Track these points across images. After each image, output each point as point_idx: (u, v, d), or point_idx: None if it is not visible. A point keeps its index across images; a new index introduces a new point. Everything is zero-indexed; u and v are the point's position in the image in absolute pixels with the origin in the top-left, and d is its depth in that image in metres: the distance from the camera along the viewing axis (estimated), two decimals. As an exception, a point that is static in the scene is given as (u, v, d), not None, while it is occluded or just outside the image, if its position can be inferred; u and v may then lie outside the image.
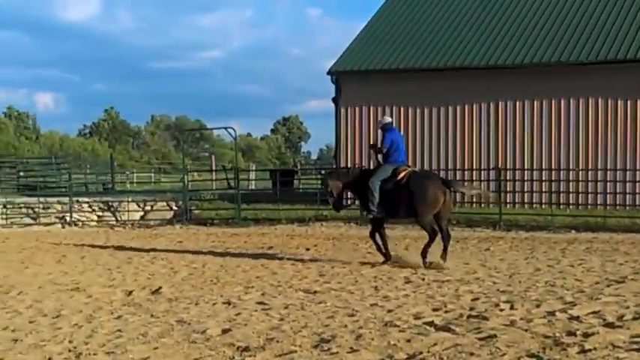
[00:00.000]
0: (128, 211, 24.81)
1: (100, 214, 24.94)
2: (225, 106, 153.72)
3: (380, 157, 14.04)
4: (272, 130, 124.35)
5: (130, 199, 25.53)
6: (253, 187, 35.28)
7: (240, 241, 18.12)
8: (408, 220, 16.00)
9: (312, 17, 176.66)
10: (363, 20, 29.11)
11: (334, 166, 27.01)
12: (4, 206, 24.08)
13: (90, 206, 25.00)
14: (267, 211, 23.99)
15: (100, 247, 17.29)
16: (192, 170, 41.72)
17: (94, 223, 24.21)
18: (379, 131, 14.55)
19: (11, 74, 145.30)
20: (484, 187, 21.94)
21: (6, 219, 23.76)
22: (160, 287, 10.70)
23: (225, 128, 31.56)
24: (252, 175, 38.22)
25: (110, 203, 25.28)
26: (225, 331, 7.61)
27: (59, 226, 23.85)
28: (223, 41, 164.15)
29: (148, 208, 25.23)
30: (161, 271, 12.72)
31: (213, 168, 40.00)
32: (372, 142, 14.83)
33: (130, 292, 10.38)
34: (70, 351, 6.95)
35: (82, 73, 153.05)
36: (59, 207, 24.78)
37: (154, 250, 16.23)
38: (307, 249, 16.09)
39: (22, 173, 37.30)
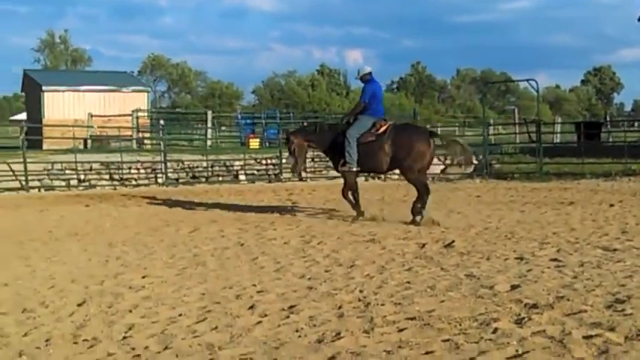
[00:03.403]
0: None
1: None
2: (531, 58, 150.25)
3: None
4: (582, 82, 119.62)
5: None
6: (558, 140, 33.97)
7: (539, 196, 17.61)
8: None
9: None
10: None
11: None
12: (312, 160, 25.24)
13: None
14: (570, 165, 23.15)
15: (400, 200, 17.60)
16: (496, 124, 41.08)
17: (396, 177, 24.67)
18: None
19: (324, 33, 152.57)
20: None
21: (313, 172, 24.93)
22: (453, 241, 10.68)
23: (527, 80, 30.52)
24: (558, 128, 36.84)
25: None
26: (513, 287, 7.43)
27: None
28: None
29: (448, 161, 25.29)
30: (457, 225, 12.67)
31: (516, 121, 39.28)
32: (344, 116, 14.15)
33: (423, 245, 10.46)
34: (359, 300, 7.14)
35: (390, 30, 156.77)
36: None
37: (451, 203, 16.27)
38: (611, 205, 15.26)
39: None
